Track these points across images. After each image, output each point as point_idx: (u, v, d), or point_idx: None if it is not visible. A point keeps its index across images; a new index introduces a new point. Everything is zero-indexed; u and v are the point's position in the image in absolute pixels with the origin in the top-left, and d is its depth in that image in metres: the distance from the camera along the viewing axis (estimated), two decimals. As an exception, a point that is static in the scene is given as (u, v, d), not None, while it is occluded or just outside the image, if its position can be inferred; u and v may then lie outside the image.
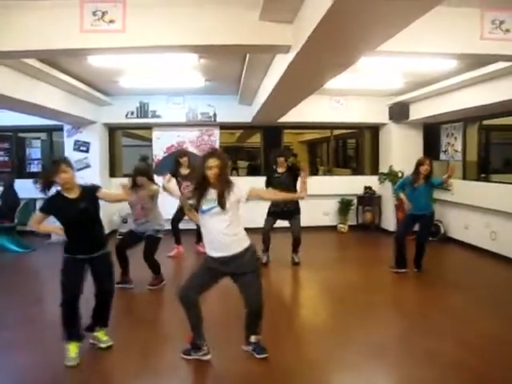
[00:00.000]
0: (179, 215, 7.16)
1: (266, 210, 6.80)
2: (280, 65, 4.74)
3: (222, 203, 3.38)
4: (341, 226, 9.68)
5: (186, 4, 3.85)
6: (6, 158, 9.76)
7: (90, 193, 3.78)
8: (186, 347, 3.74)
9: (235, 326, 3.98)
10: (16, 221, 8.07)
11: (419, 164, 6.03)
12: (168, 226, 6.72)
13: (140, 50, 4.10)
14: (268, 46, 4.01)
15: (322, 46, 3.50)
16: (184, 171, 7.07)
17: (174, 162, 7.29)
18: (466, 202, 7.92)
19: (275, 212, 6.74)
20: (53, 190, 3.73)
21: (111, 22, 3.89)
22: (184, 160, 7.18)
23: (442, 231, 8.54)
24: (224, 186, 3.43)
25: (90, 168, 8.67)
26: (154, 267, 5.68)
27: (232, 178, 3.58)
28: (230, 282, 3.60)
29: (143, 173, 5.54)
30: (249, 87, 7.13)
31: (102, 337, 3.92)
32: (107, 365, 3.67)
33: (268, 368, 3.56)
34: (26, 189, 8.34)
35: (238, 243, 3.49)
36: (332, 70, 4.44)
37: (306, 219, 9.33)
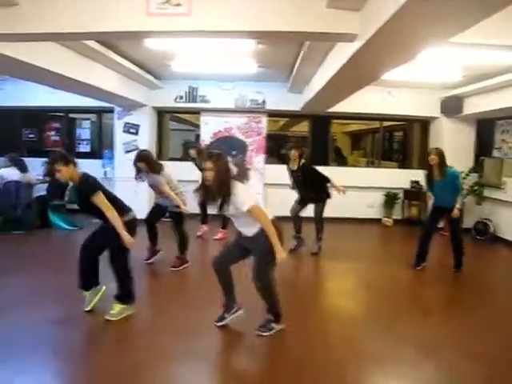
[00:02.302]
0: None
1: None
2: (341, 54, 4.64)
3: (220, 209, 3.69)
4: (385, 219, 9.54)
5: (253, -11, 3.81)
6: (57, 138, 10.03)
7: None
8: (218, 315, 4.03)
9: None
10: (66, 199, 8.29)
11: (427, 155, 6.08)
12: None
13: (205, 34, 4.08)
14: (334, 34, 3.90)
15: (393, 35, 3.40)
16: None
17: None
18: (520, 202, 7.67)
19: (300, 199, 6.82)
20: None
21: (177, 5, 3.87)
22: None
23: (491, 230, 8.28)
24: (219, 194, 3.61)
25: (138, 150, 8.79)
26: (182, 241, 5.87)
27: (237, 185, 3.59)
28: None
29: (142, 159, 5.59)
30: (302, 75, 7.04)
31: (112, 307, 4.15)
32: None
33: (316, 356, 3.56)
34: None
35: (249, 230, 3.73)
36: (397, 60, 4.32)
37: (349, 211, 9.35)
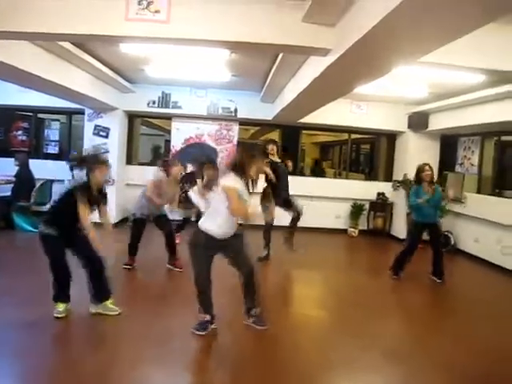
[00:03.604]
0: None
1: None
2: (314, 67, 4.77)
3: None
4: (351, 229, 9.73)
5: (233, 1, 3.89)
6: (24, 138, 9.84)
7: None
8: (199, 323, 3.99)
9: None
10: (32, 201, 8.14)
11: (420, 171, 5.99)
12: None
13: (182, 41, 4.15)
14: (308, 47, 4.02)
15: (366, 52, 3.55)
16: None
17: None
18: (478, 216, 7.93)
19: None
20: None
21: (156, 12, 3.93)
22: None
23: (452, 242, 8.55)
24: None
25: (108, 154, 8.71)
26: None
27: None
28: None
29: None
30: (275, 85, 7.16)
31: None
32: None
33: (285, 363, 3.62)
34: (42, 169, 8.50)
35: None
36: (368, 76, 4.49)
37: (316, 221, 9.49)
